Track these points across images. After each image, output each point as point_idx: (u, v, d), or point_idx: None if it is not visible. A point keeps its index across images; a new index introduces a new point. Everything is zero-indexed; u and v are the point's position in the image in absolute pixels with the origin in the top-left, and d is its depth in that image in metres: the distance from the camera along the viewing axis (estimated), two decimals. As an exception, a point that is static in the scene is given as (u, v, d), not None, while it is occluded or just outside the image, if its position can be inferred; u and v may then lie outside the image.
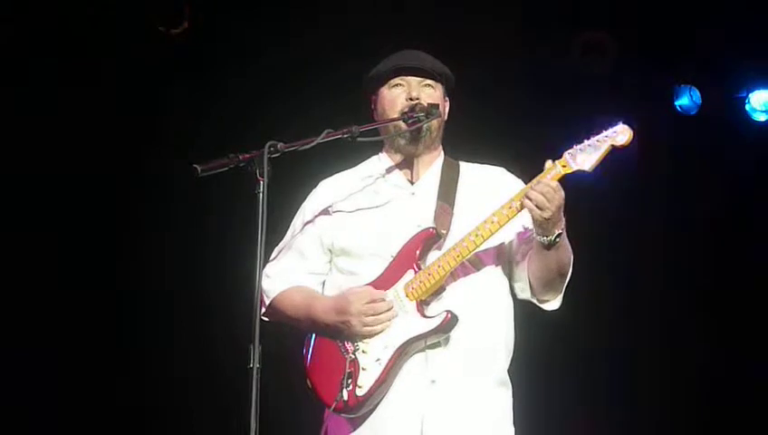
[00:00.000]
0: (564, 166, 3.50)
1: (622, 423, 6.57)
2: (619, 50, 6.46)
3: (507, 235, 3.69)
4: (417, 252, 3.63)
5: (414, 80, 3.75)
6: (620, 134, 3.49)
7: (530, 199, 3.45)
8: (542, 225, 3.48)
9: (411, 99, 3.72)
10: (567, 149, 3.51)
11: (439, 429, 3.56)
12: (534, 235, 3.53)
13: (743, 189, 6.73)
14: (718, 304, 6.75)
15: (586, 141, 3.51)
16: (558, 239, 3.51)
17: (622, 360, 6.68)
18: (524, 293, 3.73)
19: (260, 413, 3.17)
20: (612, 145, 3.48)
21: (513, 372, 3.75)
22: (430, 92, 3.76)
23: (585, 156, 3.48)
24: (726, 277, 6.75)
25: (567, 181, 3.53)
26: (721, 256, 6.77)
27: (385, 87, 3.78)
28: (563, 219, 3.51)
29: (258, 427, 3.17)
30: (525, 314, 3.83)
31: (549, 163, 3.52)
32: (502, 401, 3.70)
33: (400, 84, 3.76)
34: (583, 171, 3.49)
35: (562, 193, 3.46)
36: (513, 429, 3.71)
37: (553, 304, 3.75)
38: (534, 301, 3.75)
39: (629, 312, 6.72)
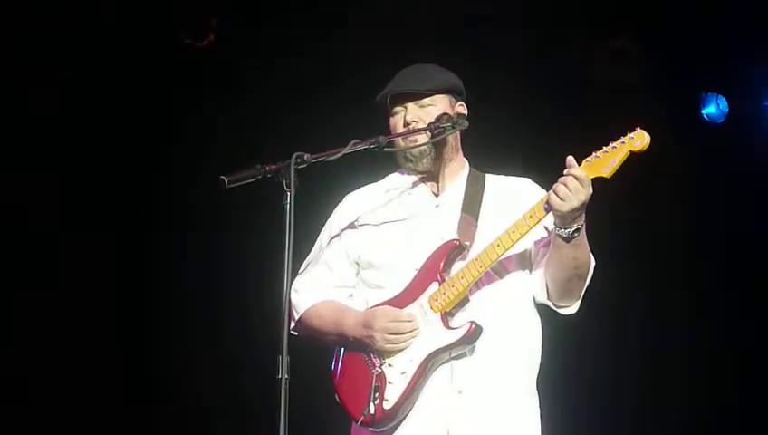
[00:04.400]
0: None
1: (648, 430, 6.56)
2: (646, 58, 6.43)
3: (529, 241, 3.67)
4: (441, 264, 3.62)
5: (410, 103, 3.75)
6: (638, 139, 3.47)
7: (555, 191, 3.44)
8: (562, 216, 3.46)
9: (407, 123, 3.72)
10: (585, 157, 3.50)
11: (466, 441, 3.55)
12: (554, 229, 3.51)
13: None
14: (746, 313, 6.70)
15: (604, 148, 3.50)
16: (576, 234, 3.49)
17: (649, 368, 6.66)
18: (541, 296, 3.69)
19: (287, 427, 3.16)
20: (630, 150, 3.46)
21: (540, 380, 3.72)
22: (430, 110, 3.74)
23: (603, 162, 3.47)
24: (752, 285, 6.69)
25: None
26: (748, 264, 6.72)
27: (389, 114, 3.78)
28: (584, 216, 3.49)
29: (287, 438, 3.16)
30: (551, 321, 3.80)
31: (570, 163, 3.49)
32: (529, 410, 3.68)
33: (399, 110, 3.75)
34: (602, 177, 3.47)
35: (588, 189, 3.43)
36: (540, 438, 3.69)
37: (571, 308, 3.72)
38: (551, 305, 3.71)
39: (656, 324, 6.69)
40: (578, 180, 3.41)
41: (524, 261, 3.71)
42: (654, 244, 6.66)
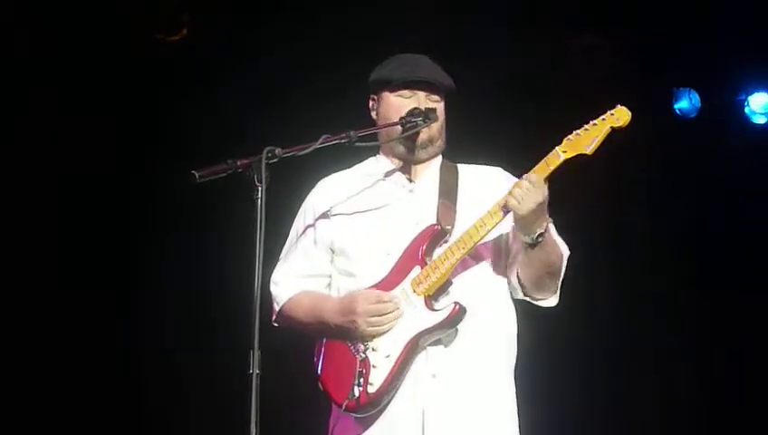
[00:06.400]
0: (565, 151, 3.51)
1: (621, 422, 6.58)
2: (618, 52, 6.46)
3: (505, 228, 3.67)
4: (424, 247, 3.62)
5: (422, 93, 3.74)
6: (618, 115, 3.51)
7: (511, 194, 3.48)
8: (522, 220, 3.49)
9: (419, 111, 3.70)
10: (566, 136, 3.52)
11: (441, 422, 3.55)
12: (519, 235, 3.54)
13: (742, 192, 6.73)
14: (717, 305, 6.74)
15: (585, 126, 3.53)
16: (540, 238, 3.52)
17: (622, 359, 6.70)
18: (517, 293, 3.72)
19: (262, 417, 3.16)
20: (612, 127, 3.50)
21: (518, 369, 3.73)
22: (435, 107, 3.74)
23: (585, 140, 3.50)
24: (724, 279, 6.74)
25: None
26: (719, 258, 6.76)
27: (390, 93, 3.76)
28: (547, 220, 3.52)
29: (259, 432, 3.16)
30: (527, 311, 3.81)
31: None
32: (505, 395, 3.68)
33: (408, 95, 3.74)
34: (584, 155, 3.50)
35: (544, 192, 3.47)
36: (516, 426, 3.69)
37: (549, 301, 3.73)
38: (529, 299, 3.73)
39: (629, 313, 6.72)
40: (530, 183, 3.45)
41: (502, 249, 3.72)
42: (624, 238, 6.69)
